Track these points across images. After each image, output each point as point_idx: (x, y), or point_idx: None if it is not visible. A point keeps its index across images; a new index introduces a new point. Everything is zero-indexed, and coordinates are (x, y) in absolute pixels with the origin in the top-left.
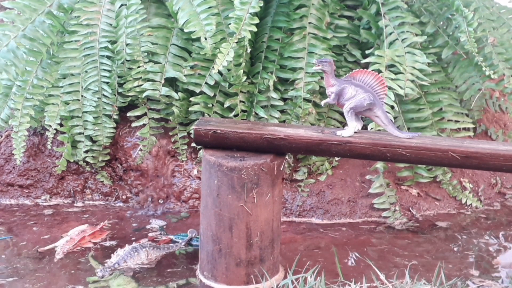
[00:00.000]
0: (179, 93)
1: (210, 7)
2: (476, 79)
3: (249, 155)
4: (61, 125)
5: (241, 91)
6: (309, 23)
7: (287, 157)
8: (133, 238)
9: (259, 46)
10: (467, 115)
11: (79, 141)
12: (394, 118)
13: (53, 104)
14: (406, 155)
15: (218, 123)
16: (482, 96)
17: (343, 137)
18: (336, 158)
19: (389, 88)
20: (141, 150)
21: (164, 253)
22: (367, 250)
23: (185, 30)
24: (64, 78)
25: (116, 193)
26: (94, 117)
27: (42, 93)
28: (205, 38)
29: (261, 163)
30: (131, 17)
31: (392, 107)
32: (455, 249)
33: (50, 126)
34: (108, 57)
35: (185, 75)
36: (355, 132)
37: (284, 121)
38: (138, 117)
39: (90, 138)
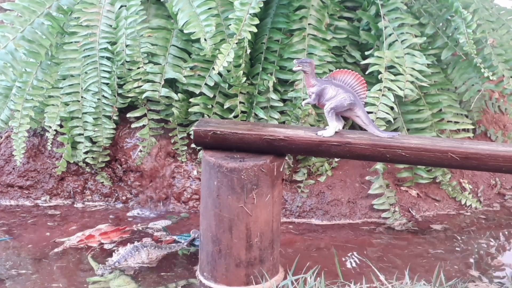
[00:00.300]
0: (179, 94)
1: (210, 8)
2: (476, 80)
3: (249, 156)
4: (61, 126)
5: (240, 92)
6: (309, 24)
7: (286, 158)
8: (134, 239)
9: (258, 47)
10: (467, 116)
11: (79, 142)
12: (394, 119)
13: (53, 105)
14: (405, 156)
15: (218, 124)
16: (481, 97)
17: (324, 137)
18: (336, 159)
19: (389, 89)
20: (141, 151)
21: (165, 253)
22: (366, 251)
23: (185, 31)
24: (64, 79)
25: (116, 194)
26: (94, 118)
27: (42, 94)
28: (205, 39)
29: (261, 164)
30: (131, 18)
31: (392, 108)
32: (455, 249)
33: (50, 127)
34: (108, 58)
35: (184, 76)
36: (336, 132)
37: (283, 122)
38: (138, 118)
39: (90, 139)
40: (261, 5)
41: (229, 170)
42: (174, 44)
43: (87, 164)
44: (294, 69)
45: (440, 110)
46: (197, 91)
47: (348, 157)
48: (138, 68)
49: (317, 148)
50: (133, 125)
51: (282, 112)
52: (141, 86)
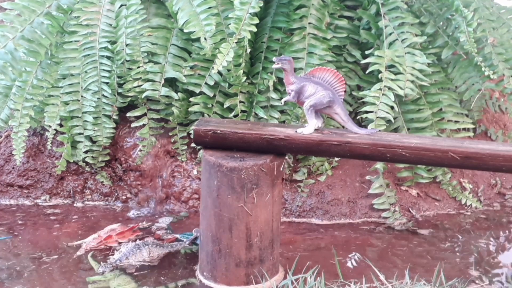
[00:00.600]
0: (179, 94)
1: (210, 8)
2: (476, 80)
3: (249, 156)
4: (60, 125)
5: (241, 92)
6: (309, 23)
7: (286, 157)
8: (133, 239)
9: (259, 46)
10: (467, 116)
11: (79, 142)
12: (394, 118)
13: (52, 104)
14: (405, 156)
15: (218, 123)
16: (482, 97)
17: (303, 135)
18: (336, 159)
19: (389, 88)
20: (140, 150)
21: (167, 251)
22: (366, 251)
23: (185, 31)
24: (64, 78)
25: (116, 194)
26: (93, 118)
27: (42, 93)
28: (205, 39)
29: (261, 163)
30: (131, 17)
31: (392, 107)
32: (455, 249)
33: (49, 126)
34: (108, 58)
35: (184, 76)
36: (315, 130)
37: (284, 122)
38: (137, 118)
39: (89, 138)
40: (261, 5)
41: (229, 169)
42: (174, 43)
43: (87, 163)
44: (273, 66)
45: (441, 109)
46: (197, 90)
47: (348, 157)
48: (138, 67)
49: (317, 147)
50: (133, 125)
51: (282, 112)
52: (141, 85)
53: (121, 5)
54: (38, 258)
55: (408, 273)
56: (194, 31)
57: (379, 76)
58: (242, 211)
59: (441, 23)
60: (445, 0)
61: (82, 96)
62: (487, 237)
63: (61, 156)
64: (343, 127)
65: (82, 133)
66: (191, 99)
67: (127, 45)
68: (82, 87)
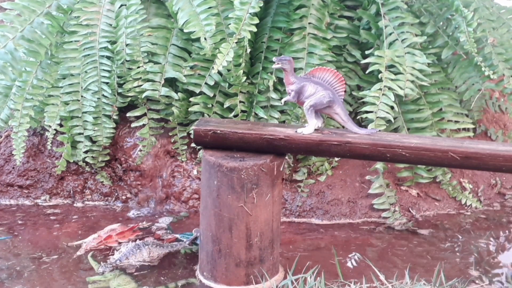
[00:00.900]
0: (179, 94)
1: (210, 8)
2: (476, 80)
3: (249, 156)
4: (60, 125)
5: (241, 92)
6: (309, 23)
7: (286, 157)
8: (133, 238)
9: (259, 46)
10: (467, 116)
11: (79, 142)
12: (394, 118)
13: (52, 104)
14: (406, 156)
15: (218, 123)
16: (482, 97)
17: (303, 135)
18: (336, 159)
19: (389, 88)
20: (140, 150)
21: (167, 251)
22: (366, 251)
23: (185, 31)
24: (64, 78)
25: (116, 194)
26: (93, 118)
27: (42, 93)
28: (205, 39)
29: (261, 163)
30: (131, 17)
31: (392, 107)
32: (455, 249)
33: (49, 126)
34: (108, 58)
35: (184, 76)
36: (315, 130)
37: (284, 122)
38: (137, 118)
39: (89, 138)
40: (261, 5)
41: (229, 169)
42: (174, 43)
43: (87, 163)
44: (273, 66)
45: (441, 109)
46: (197, 90)
47: (348, 157)
48: (138, 67)
49: (317, 147)
50: (133, 125)
51: (282, 112)
52: (141, 85)
53: (121, 5)
54: (38, 258)
55: (408, 273)
56: (194, 31)
57: (379, 76)
58: (242, 211)
59: (441, 23)
60: (445, 0)
61: (82, 96)
62: (487, 237)
63: (61, 156)
64: (343, 127)
65: (82, 133)
66: (191, 99)
67: (127, 45)
68: (82, 87)
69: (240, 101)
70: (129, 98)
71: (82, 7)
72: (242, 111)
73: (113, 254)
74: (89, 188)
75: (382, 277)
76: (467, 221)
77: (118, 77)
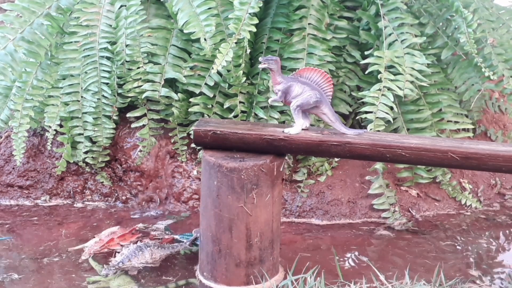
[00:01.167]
0: (179, 94)
1: (209, 8)
2: (476, 80)
3: (249, 156)
4: (60, 126)
5: (240, 92)
6: (309, 24)
7: (286, 158)
8: (134, 240)
9: (258, 47)
10: (467, 116)
11: (79, 142)
12: (394, 119)
13: (52, 105)
14: (405, 156)
15: (218, 124)
16: (481, 97)
17: (288, 135)
18: (336, 159)
19: (388, 89)
20: (140, 151)
21: (168, 252)
22: (366, 251)
23: (185, 31)
24: (64, 79)
25: (116, 194)
26: (93, 118)
27: (42, 94)
28: (205, 39)
29: (261, 164)
30: (131, 18)
31: (391, 108)
32: (455, 249)
33: (49, 127)
34: (108, 58)
35: (184, 76)
36: (302, 129)
37: (283, 122)
38: (137, 118)
39: (89, 139)
40: (261, 5)
41: (229, 170)
42: (174, 44)
43: (87, 164)
44: (259, 66)
45: (440, 109)
46: (197, 91)
47: (348, 157)
48: (138, 68)
49: (317, 148)
50: (133, 125)
51: (282, 112)
52: (141, 86)
53: (121, 6)
54: (38, 258)
55: (408, 273)
56: (194, 32)
57: (379, 76)
58: (242, 212)
59: (441, 23)
60: (445, 1)
61: (82, 97)
62: (487, 237)
63: (61, 156)
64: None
65: (82, 134)
66: (191, 99)
67: (127, 45)
68: (82, 88)
69: (240, 102)
70: (129, 99)
71: (82, 8)
72: (242, 112)
73: (114, 257)
74: (89, 188)
75: (382, 277)
76: (467, 221)
77: (118, 77)
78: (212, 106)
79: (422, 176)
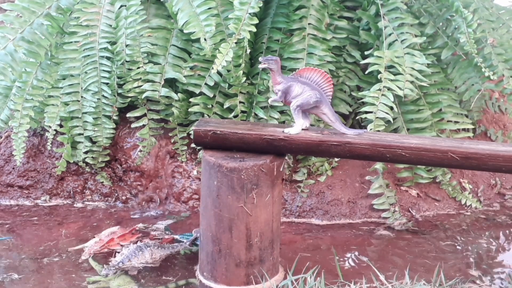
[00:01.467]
0: (179, 94)
1: (209, 8)
2: (476, 80)
3: (249, 156)
4: (60, 126)
5: (240, 92)
6: (309, 24)
7: (286, 158)
8: (134, 240)
9: (258, 47)
10: (467, 116)
11: (79, 142)
12: (394, 119)
13: (52, 105)
14: (405, 156)
15: (218, 124)
16: (481, 97)
17: (288, 135)
18: (336, 159)
19: (388, 89)
20: (140, 151)
21: (168, 252)
22: (366, 251)
23: (185, 31)
24: (64, 79)
25: (116, 194)
26: (93, 118)
27: (42, 94)
28: (205, 39)
29: (261, 164)
30: (131, 18)
31: (391, 108)
32: (455, 249)
33: (49, 127)
34: (108, 58)
35: (184, 76)
36: (302, 129)
37: (283, 122)
38: (137, 118)
39: (89, 139)
40: (261, 5)
41: (229, 170)
42: (174, 44)
43: (87, 164)
44: (259, 66)
45: (440, 109)
46: (197, 91)
47: (348, 157)
48: (138, 68)
49: (317, 148)
50: (133, 125)
51: (282, 112)
52: (141, 86)
53: (121, 6)
54: (38, 258)
55: (408, 273)
56: (194, 32)
57: (379, 76)
58: (242, 212)
59: (441, 23)
60: (445, 1)
61: (82, 97)
62: (487, 237)
63: (61, 156)
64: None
65: (82, 134)
66: (191, 99)
67: (127, 45)
68: (82, 88)
69: (240, 102)
70: (129, 99)
71: (82, 8)
72: (242, 112)
73: (115, 257)
74: (89, 188)
75: (382, 277)
76: (467, 221)
77: (118, 77)
78: (212, 106)
79: (422, 176)
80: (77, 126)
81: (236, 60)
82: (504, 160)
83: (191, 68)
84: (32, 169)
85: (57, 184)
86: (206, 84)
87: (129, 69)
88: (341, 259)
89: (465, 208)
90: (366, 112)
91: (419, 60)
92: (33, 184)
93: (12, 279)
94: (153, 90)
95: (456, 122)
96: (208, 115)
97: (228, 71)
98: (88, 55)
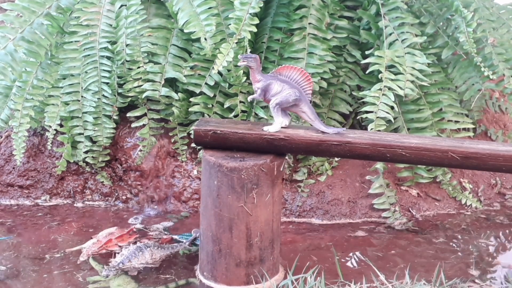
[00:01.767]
0: (179, 94)
1: (210, 8)
2: (476, 80)
3: (249, 156)
4: (61, 125)
5: (241, 92)
6: (309, 23)
7: (287, 157)
8: (133, 241)
9: (259, 46)
10: (467, 116)
11: (79, 142)
12: (394, 118)
13: (53, 104)
14: (406, 156)
15: (218, 123)
16: (482, 97)
17: (269, 132)
18: (336, 159)
19: (389, 88)
20: (141, 150)
21: (168, 253)
22: (366, 251)
23: (185, 31)
24: (64, 78)
25: (116, 194)
26: (94, 118)
27: (42, 93)
28: (205, 39)
29: (261, 163)
30: (131, 17)
31: (392, 107)
32: (455, 249)
33: (50, 126)
34: (108, 58)
35: (185, 76)
36: (282, 127)
37: None
38: (138, 118)
39: (90, 138)
40: (261, 5)
41: (229, 169)
42: (174, 44)
43: (87, 163)
44: (239, 64)
45: (441, 109)
46: (197, 91)
47: (348, 157)
48: (138, 67)
49: (317, 147)
50: (133, 125)
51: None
52: (141, 85)
53: (121, 6)
54: (38, 258)
55: (408, 273)
56: (194, 32)
57: (379, 76)
58: (242, 211)
59: (441, 23)
60: (445, 1)
61: (82, 96)
62: (487, 237)
63: (61, 156)
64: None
65: (82, 133)
66: (191, 99)
67: (127, 45)
68: (82, 87)
69: (240, 101)
70: (129, 98)
71: (82, 8)
72: (242, 111)
73: (114, 257)
74: (89, 188)
75: (382, 277)
76: (467, 221)
77: (118, 77)
78: (213, 105)
79: (422, 176)
80: (77, 126)
81: (236, 59)
82: (504, 160)
83: (192, 68)
84: (32, 169)
85: (57, 184)
86: (206, 83)
87: (130, 69)
88: (341, 259)
89: (465, 208)
90: (367, 112)
91: (419, 60)
92: (33, 183)
93: (12, 279)
94: (153, 90)
95: (456, 121)
96: (208, 115)
97: (229, 70)
98: (89, 55)
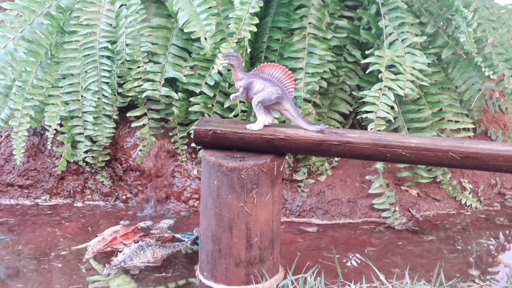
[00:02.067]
0: (179, 93)
1: (210, 7)
2: (476, 80)
3: (249, 156)
4: (61, 125)
5: None
6: (309, 23)
7: (287, 157)
8: (137, 239)
9: (259, 46)
10: (467, 116)
11: (79, 141)
12: (394, 118)
13: (53, 104)
14: (406, 156)
15: (218, 123)
16: (482, 97)
17: (252, 130)
18: (336, 159)
19: (389, 88)
20: (141, 150)
21: (170, 252)
22: (367, 251)
23: (185, 30)
24: (64, 78)
25: (116, 194)
26: (94, 117)
27: (42, 93)
28: (205, 38)
29: (261, 163)
30: (131, 17)
31: (392, 107)
32: (455, 249)
33: (50, 126)
34: (108, 57)
35: (185, 75)
36: (264, 126)
37: (284, 122)
38: (138, 117)
39: (90, 138)
40: (261, 4)
41: (229, 169)
42: (174, 43)
43: (87, 163)
44: (220, 63)
45: (441, 109)
46: (197, 90)
47: (348, 157)
48: (138, 67)
49: (317, 147)
50: (133, 124)
51: None
52: (141, 85)
53: (121, 5)
54: (38, 258)
55: (408, 273)
56: (194, 31)
57: (379, 76)
58: (242, 211)
59: (441, 23)
60: (445, 0)
61: (82, 96)
62: (487, 237)
63: (61, 156)
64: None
65: (82, 133)
66: (191, 99)
67: (127, 45)
68: (82, 87)
69: (240, 101)
70: (129, 98)
71: (82, 7)
72: (242, 111)
73: (116, 256)
74: (89, 188)
75: (382, 277)
76: (467, 221)
77: (118, 77)
78: (213, 105)
79: (422, 176)
80: (77, 126)
81: None
82: (505, 160)
83: (192, 68)
84: (32, 169)
85: (57, 184)
86: (206, 83)
87: (129, 68)
88: (341, 259)
89: (465, 208)
90: (367, 112)
91: (419, 60)
92: (33, 183)
93: (12, 279)
94: (153, 90)
95: (456, 121)
96: (208, 115)
97: (229, 70)
98: (88, 54)
